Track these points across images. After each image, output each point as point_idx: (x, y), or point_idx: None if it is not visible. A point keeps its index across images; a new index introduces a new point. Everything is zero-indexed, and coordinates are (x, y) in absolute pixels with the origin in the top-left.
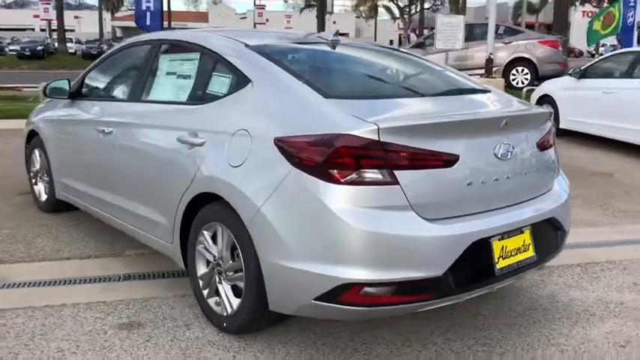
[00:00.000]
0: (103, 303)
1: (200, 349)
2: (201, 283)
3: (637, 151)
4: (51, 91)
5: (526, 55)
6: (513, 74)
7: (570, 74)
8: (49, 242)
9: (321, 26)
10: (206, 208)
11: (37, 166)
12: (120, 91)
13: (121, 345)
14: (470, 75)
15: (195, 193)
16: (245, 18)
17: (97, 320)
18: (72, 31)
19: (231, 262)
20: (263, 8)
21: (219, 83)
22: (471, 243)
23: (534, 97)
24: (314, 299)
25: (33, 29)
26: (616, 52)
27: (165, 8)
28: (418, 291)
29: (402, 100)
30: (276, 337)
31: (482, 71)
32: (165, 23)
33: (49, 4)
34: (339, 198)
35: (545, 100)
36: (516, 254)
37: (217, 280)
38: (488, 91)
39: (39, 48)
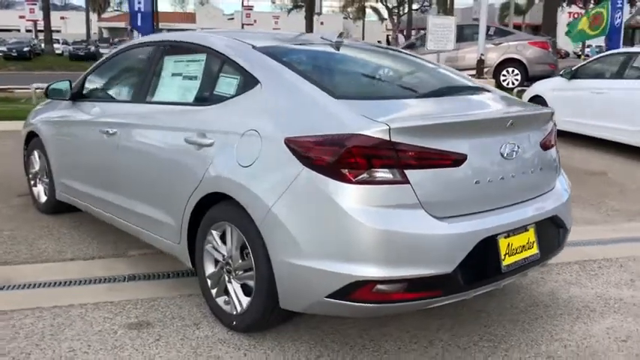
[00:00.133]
0: (110, 303)
1: (211, 348)
2: (209, 282)
3: (629, 150)
4: (52, 92)
5: (516, 56)
6: (504, 75)
7: (561, 75)
8: (52, 243)
9: (309, 27)
10: (215, 208)
11: (37, 167)
12: (123, 93)
13: (132, 344)
14: None
15: (203, 194)
16: (232, 19)
17: (105, 320)
18: (58, 31)
19: (240, 261)
20: (251, 9)
21: (226, 84)
22: (479, 240)
23: (525, 97)
24: (326, 297)
25: (18, 30)
26: (607, 53)
27: None
28: (428, 288)
29: (409, 100)
30: (285, 334)
31: (474, 72)
32: None
33: (35, 4)
34: (351, 197)
35: (537, 100)
36: (521, 251)
37: (226, 279)
38: (490, 92)
39: (25, 49)
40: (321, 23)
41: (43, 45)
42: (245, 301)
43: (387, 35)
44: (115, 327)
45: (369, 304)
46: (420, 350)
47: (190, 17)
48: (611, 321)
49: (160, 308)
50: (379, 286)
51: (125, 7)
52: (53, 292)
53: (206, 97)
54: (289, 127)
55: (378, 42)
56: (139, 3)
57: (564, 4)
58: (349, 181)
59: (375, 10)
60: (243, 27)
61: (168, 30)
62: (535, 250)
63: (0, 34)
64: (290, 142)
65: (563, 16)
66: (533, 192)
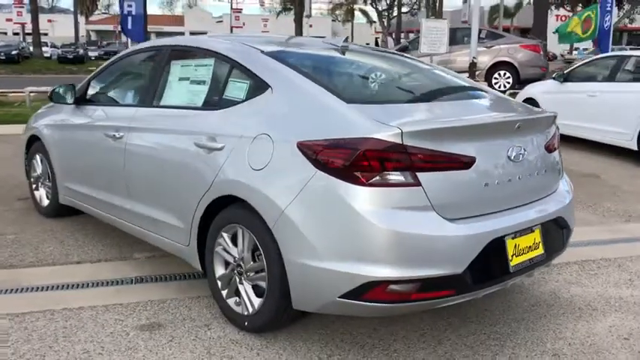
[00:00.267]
0: (119, 305)
1: (224, 348)
2: (219, 283)
3: (621, 152)
4: (56, 96)
5: (508, 59)
6: (495, 78)
7: (554, 78)
8: (57, 247)
9: (299, 29)
10: (225, 210)
11: (38, 171)
12: (129, 96)
13: (145, 345)
14: None
15: (214, 196)
16: (221, 21)
17: (117, 322)
18: (45, 34)
19: (252, 262)
20: (240, 12)
21: (236, 89)
22: (489, 242)
23: (518, 100)
24: (339, 297)
25: (5, 33)
26: (599, 56)
27: None
28: (440, 288)
29: (418, 104)
30: (296, 335)
31: (466, 75)
32: None
33: (23, 7)
34: (365, 199)
35: (529, 103)
36: (527, 252)
37: (238, 280)
38: (495, 95)
39: (14, 52)
40: (310, 26)
41: (31, 48)
42: (257, 301)
43: (376, 38)
44: (127, 329)
45: (382, 304)
46: (429, 349)
47: (179, 20)
48: (613, 319)
49: (169, 310)
50: (392, 287)
51: (112, 10)
52: (62, 295)
53: (215, 101)
54: (301, 131)
55: (366, 44)
56: (130, 6)
57: (552, 7)
58: (362, 184)
59: (364, 12)
60: (232, 30)
61: (157, 33)
62: (541, 251)
63: None
64: (303, 146)
65: (551, 19)
66: (538, 194)
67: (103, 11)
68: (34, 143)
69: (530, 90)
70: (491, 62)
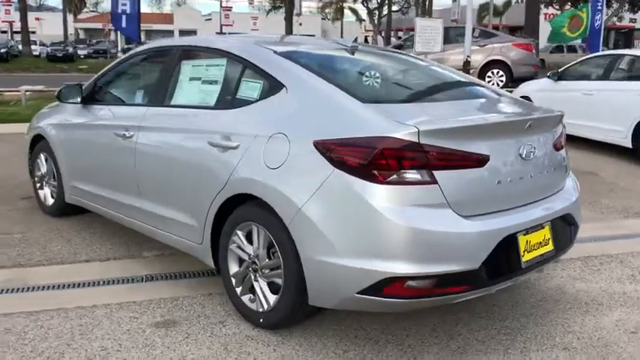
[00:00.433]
0: (133, 303)
1: (240, 344)
2: (233, 281)
3: (616, 150)
4: (64, 95)
5: (501, 58)
6: (489, 76)
7: (548, 76)
8: (65, 245)
9: (289, 28)
10: (240, 208)
11: (43, 170)
12: (138, 96)
13: (162, 342)
14: None
15: (229, 195)
16: (210, 20)
17: (132, 320)
18: (33, 32)
19: (267, 260)
20: (230, 10)
21: (249, 88)
22: (502, 238)
23: None
24: (357, 293)
25: None
26: (593, 55)
27: None
28: (456, 283)
29: (432, 103)
30: (310, 331)
31: None
32: None
33: (11, 5)
34: (383, 197)
35: None
36: (538, 248)
37: (252, 277)
38: (505, 95)
39: (2, 50)
40: (300, 24)
41: (20, 47)
42: (272, 298)
43: (366, 36)
44: (143, 326)
45: (399, 300)
46: (441, 344)
47: (168, 18)
48: (619, 314)
49: (183, 307)
50: (410, 282)
51: (101, 8)
52: (73, 293)
53: (228, 100)
54: (318, 130)
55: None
56: (124, 5)
57: (542, 6)
58: (380, 182)
59: (353, 10)
60: (221, 28)
61: (146, 31)
62: (550, 247)
63: None
64: (319, 145)
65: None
66: (547, 191)
67: (91, 9)
68: (38, 143)
69: (525, 88)
70: (484, 61)
